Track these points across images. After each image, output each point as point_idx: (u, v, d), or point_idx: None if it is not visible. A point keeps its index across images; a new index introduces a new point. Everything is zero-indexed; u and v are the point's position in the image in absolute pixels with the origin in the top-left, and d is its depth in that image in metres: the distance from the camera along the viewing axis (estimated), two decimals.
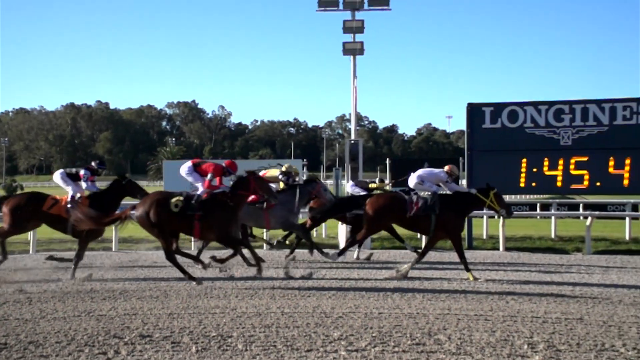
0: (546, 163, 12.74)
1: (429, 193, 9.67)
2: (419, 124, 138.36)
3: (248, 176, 9.00)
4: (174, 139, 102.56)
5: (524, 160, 12.83)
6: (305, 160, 23.64)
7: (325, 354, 5.38)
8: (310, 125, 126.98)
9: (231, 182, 9.20)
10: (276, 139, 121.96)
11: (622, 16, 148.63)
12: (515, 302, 7.50)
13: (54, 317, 6.82)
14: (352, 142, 14.61)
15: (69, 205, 9.61)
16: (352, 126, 16.56)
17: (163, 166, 19.08)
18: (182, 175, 9.63)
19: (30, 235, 13.18)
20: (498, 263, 10.99)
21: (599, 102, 12.78)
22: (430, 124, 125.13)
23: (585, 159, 12.59)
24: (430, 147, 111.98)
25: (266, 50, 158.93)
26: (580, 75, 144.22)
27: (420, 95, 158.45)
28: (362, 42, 15.57)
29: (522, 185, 12.92)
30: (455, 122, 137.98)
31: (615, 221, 17.30)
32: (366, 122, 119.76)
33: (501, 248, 12.68)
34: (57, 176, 10.31)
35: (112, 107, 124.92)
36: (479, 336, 5.92)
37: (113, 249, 13.00)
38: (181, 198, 8.72)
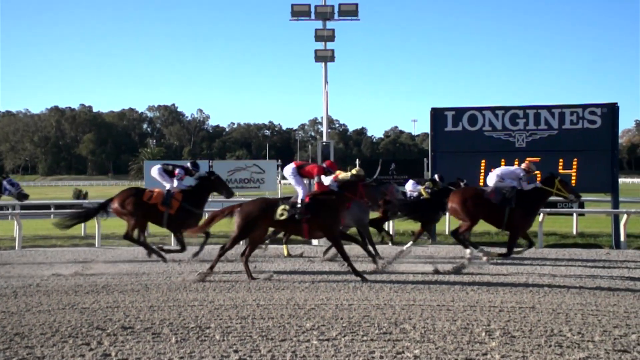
0: (503, 163, 12.91)
1: (508, 186, 9.49)
2: (387, 126, 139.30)
3: (357, 182, 8.90)
4: (154, 141, 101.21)
5: (483, 161, 13.01)
6: (279, 161, 23.55)
7: (298, 343, 5.38)
8: (284, 127, 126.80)
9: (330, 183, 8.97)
10: (252, 140, 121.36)
11: (581, 21, 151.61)
12: (474, 293, 7.59)
13: (39, 310, 6.70)
14: (324, 143, 14.60)
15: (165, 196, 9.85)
16: (324, 129, 16.55)
17: (144, 166, 18.88)
18: (286, 177, 9.37)
19: (15, 231, 12.90)
20: (459, 257, 11.09)
21: (549, 108, 13.03)
22: (396, 127, 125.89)
23: (537, 159, 12.81)
24: (397, 148, 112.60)
25: (243, 56, 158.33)
26: (536, 80, 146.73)
27: (388, 100, 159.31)
28: (333, 50, 15.58)
29: (481, 184, 13.07)
30: (420, 125, 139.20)
31: (563, 217, 17.62)
32: (337, 125, 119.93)
33: None
34: (154, 171, 10.38)
35: (95, 110, 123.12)
36: (441, 325, 5.98)
37: (96, 245, 12.79)
38: (287, 207, 8.57)
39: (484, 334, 5.66)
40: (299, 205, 8.60)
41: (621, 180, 19.74)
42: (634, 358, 5.02)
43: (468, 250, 9.85)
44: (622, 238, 12.42)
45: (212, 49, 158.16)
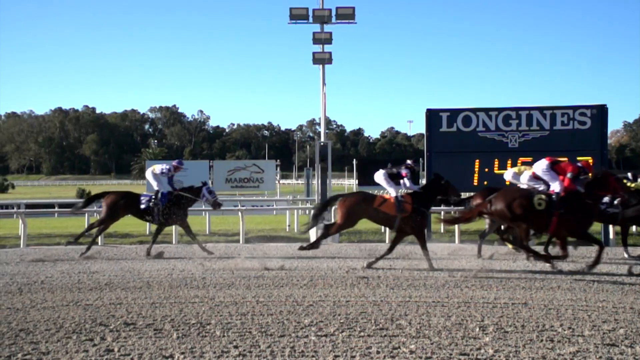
0: (496, 163, 12.95)
1: None
2: (383, 127, 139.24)
3: (608, 176, 8.49)
4: (156, 141, 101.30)
5: (477, 161, 13.03)
6: (278, 160, 23.66)
7: (297, 339, 5.39)
8: (283, 128, 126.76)
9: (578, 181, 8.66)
10: (251, 141, 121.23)
11: (572, 26, 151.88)
12: (468, 290, 7.60)
13: (43, 306, 6.69)
14: (322, 144, 14.60)
15: (396, 203, 9.53)
16: (322, 129, 16.57)
17: (146, 166, 18.85)
18: (537, 173, 9.00)
19: (20, 230, 12.89)
20: (454, 254, 11.11)
21: (541, 109, 13.06)
22: (393, 128, 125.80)
23: (529, 159, 12.83)
24: (393, 148, 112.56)
25: (242, 59, 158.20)
26: (528, 82, 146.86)
27: (384, 101, 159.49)
28: (330, 52, 15.58)
29: (475, 183, 13.09)
30: (415, 126, 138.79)
31: None
32: (334, 126, 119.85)
33: (456, 240, 12.82)
34: (380, 176, 10.10)
35: (98, 111, 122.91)
36: (436, 321, 5.99)
37: (99, 243, 12.77)
38: (543, 197, 8.39)
39: (477, 329, 5.67)
40: (554, 198, 8.37)
41: None
42: (621, 352, 5.04)
43: None
44: (611, 236, 12.46)
45: (213, 52, 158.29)
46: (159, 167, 11.38)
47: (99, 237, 11.86)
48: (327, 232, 9.66)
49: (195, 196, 11.15)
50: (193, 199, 11.22)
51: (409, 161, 10.41)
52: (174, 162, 11.49)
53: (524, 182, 10.03)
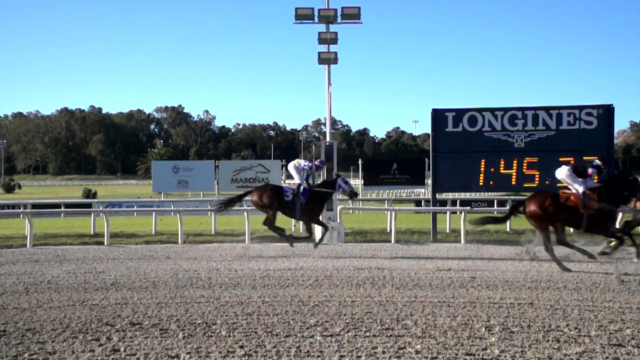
0: (502, 163, 12.92)
1: None
2: (388, 127, 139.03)
3: None
4: (162, 141, 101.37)
5: (483, 161, 12.99)
6: (284, 160, 23.70)
7: (302, 339, 5.39)
8: (288, 128, 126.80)
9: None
10: (257, 141, 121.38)
11: (578, 26, 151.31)
12: (474, 290, 7.58)
13: (50, 306, 6.72)
14: (327, 144, 14.59)
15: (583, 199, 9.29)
16: (327, 129, 16.54)
17: (152, 166, 18.92)
18: None
19: (27, 230, 12.96)
20: (459, 255, 11.09)
21: (547, 109, 13.01)
22: (398, 128, 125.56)
23: (535, 160, 12.81)
24: (399, 148, 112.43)
25: (248, 59, 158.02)
26: (534, 81, 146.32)
27: (389, 101, 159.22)
28: (336, 52, 15.56)
29: (481, 183, 13.08)
30: (421, 126, 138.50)
31: None
32: (340, 126, 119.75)
33: (462, 241, 12.78)
34: (564, 172, 9.80)
35: (104, 111, 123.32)
36: (442, 321, 5.98)
37: (105, 243, 12.82)
38: None
39: (483, 329, 5.66)
40: None
41: None
42: (628, 352, 5.02)
43: None
44: None
45: (218, 52, 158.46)
46: (302, 162, 11.51)
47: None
48: (562, 240, 9.59)
49: (332, 189, 11.27)
50: (330, 193, 11.34)
51: (597, 161, 9.87)
52: (316, 162, 11.68)
53: None
